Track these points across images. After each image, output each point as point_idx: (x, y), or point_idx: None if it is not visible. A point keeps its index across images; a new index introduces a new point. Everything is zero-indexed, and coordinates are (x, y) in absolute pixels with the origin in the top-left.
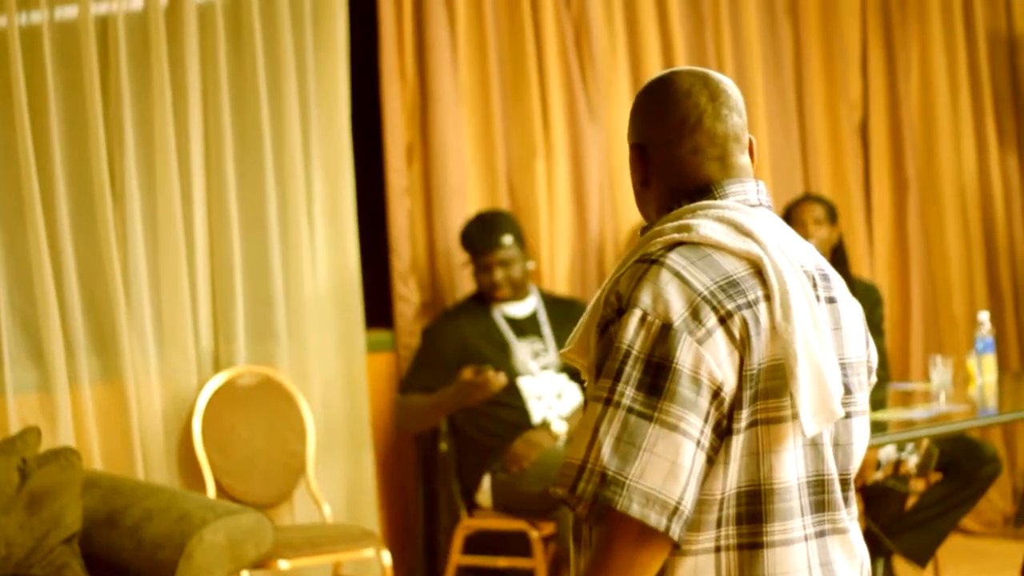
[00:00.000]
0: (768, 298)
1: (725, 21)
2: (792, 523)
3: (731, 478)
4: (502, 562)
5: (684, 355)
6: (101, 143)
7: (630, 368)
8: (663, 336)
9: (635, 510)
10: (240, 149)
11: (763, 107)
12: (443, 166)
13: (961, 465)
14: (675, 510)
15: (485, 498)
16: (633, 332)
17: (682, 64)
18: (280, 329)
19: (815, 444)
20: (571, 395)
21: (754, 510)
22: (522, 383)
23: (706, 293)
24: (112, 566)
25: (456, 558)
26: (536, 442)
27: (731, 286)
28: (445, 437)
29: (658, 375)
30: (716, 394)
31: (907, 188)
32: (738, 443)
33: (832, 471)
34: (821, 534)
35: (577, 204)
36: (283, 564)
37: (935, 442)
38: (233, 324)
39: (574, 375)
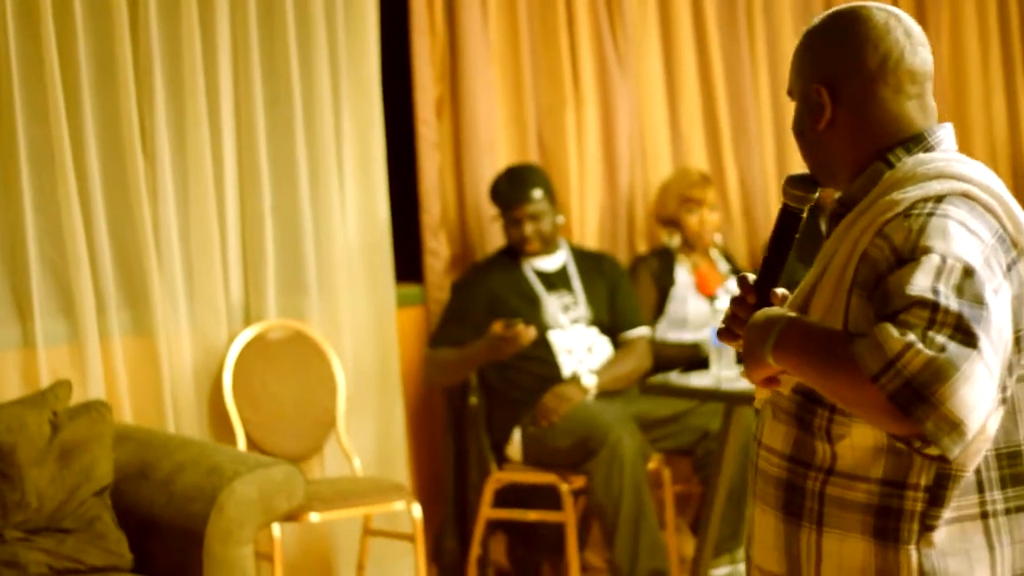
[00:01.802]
0: (1022, 254)
1: None
2: None
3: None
4: (532, 515)
5: (990, 299)
6: (132, 97)
7: (951, 303)
8: (968, 278)
9: (929, 429)
10: (270, 103)
11: None
12: (473, 120)
13: None
14: (964, 440)
15: (515, 451)
16: (934, 276)
17: (712, 15)
18: (310, 283)
19: None
20: (602, 348)
21: (1017, 472)
22: (552, 337)
23: (990, 246)
24: (143, 518)
25: (486, 511)
26: (566, 396)
27: (1001, 242)
28: (475, 391)
29: (978, 319)
30: (1004, 348)
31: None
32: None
33: None
34: None
35: (607, 158)
36: (314, 517)
37: None
38: (263, 278)
39: (605, 329)
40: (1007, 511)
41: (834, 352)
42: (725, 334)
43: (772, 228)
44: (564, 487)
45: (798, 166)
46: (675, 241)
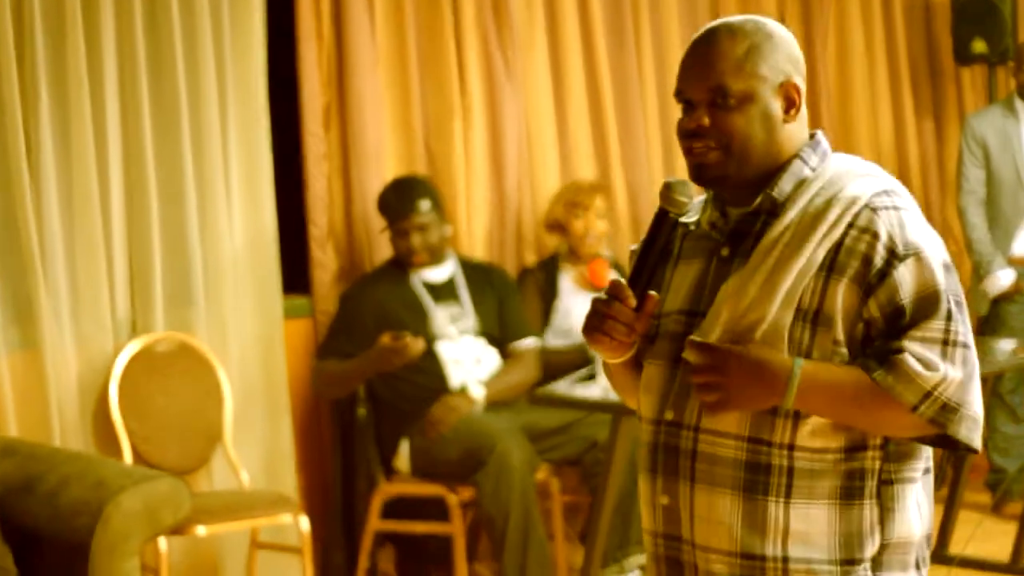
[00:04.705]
0: None
1: None
2: None
3: None
4: (420, 527)
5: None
6: (17, 111)
7: (955, 308)
8: (953, 274)
9: (963, 434)
10: (156, 115)
11: None
12: (360, 130)
13: None
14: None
15: (403, 463)
16: (942, 274)
17: (599, 26)
18: (197, 295)
19: None
20: (490, 360)
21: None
22: (440, 348)
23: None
24: (29, 532)
25: (374, 523)
26: (454, 407)
27: None
28: (363, 403)
29: (964, 311)
30: None
31: None
32: None
33: None
34: None
35: (495, 168)
36: (200, 530)
37: None
38: (150, 291)
39: (493, 340)
40: (925, 471)
41: (865, 393)
42: (593, 334)
43: (647, 231)
44: (452, 499)
45: (685, 177)
46: (563, 247)
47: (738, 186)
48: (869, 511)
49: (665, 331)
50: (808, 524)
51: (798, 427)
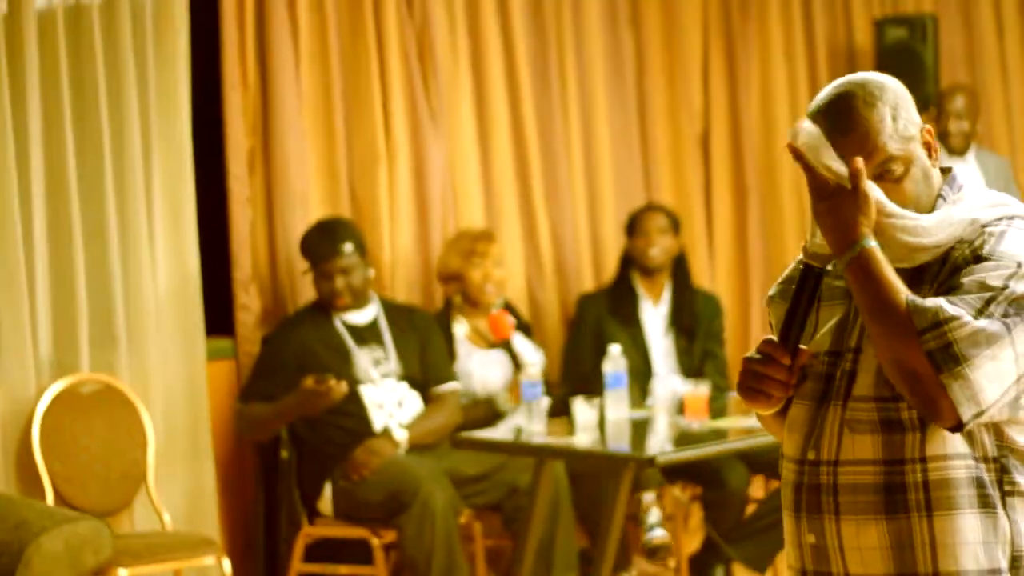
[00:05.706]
0: None
1: (568, 29)
2: None
3: None
4: (343, 570)
5: None
6: None
7: (1020, 288)
8: None
9: (955, 392)
10: (81, 156)
11: (605, 116)
12: (285, 174)
13: None
14: (981, 412)
15: (326, 506)
16: (1008, 275)
17: (524, 68)
18: (121, 337)
19: None
20: (412, 403)
21: None
22: (363, 391)
23: None
24: None
25: (297, 566)
26: (377, 450)
27: None
28: (286, 445)
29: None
30: None
31: (747, 197)
32: None
33: None
34: None
35: (419, 211)
36: (122, 572)
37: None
38: (74, 332)
39: (415, 383)
40: None
41: (895, 304)
42: (751, 394)
43: (795, 287)
44: (375, 541)
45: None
46: (457, 298)
47: None
48: (1002, 521)
49: (810, 371)
50: (952, 535)
51: (926, 438)
